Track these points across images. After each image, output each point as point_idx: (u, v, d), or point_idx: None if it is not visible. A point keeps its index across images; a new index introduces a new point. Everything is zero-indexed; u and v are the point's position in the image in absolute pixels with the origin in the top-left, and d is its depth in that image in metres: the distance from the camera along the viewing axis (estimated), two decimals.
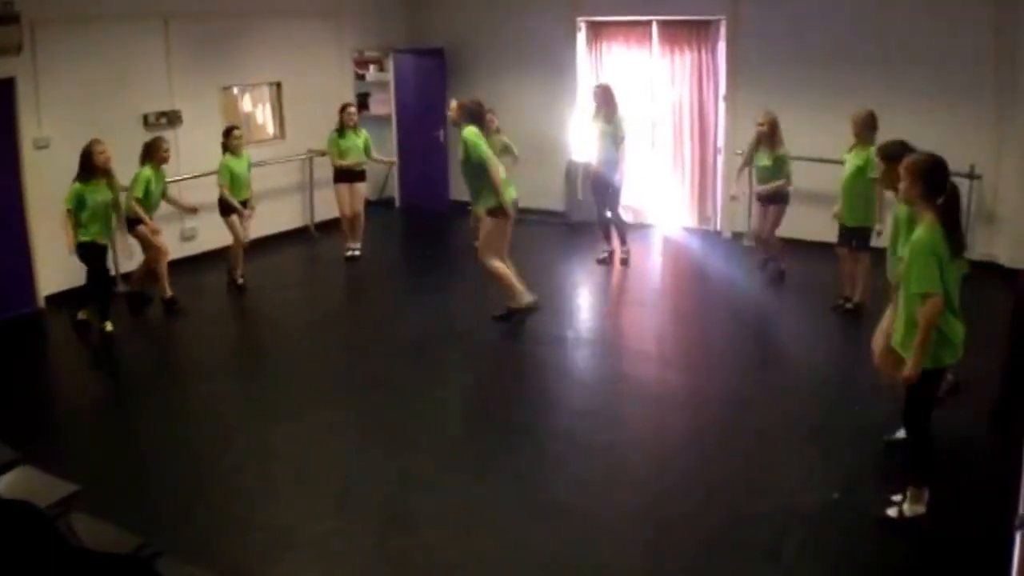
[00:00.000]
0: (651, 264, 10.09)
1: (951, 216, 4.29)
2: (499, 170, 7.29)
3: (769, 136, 8.19)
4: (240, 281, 8.81)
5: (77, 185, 7.27)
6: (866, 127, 7.01)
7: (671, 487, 5.06)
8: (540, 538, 4.55)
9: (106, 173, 7.36)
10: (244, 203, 8.68)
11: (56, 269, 8.24)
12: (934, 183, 4.23)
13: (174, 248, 8.73)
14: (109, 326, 7.64)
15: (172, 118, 9.08)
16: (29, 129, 8.04)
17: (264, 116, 10.62)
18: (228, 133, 8.65)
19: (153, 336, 7.87)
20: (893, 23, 8.84)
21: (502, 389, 6.59)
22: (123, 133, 8.39)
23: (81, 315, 7.74)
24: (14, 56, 7.77)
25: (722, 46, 10.01)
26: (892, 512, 4.53)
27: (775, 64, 9.53)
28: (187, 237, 9.41)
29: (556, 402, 6.37)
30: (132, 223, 7.85)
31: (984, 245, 8.63)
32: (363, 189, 9.84)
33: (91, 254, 7.47)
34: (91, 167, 7.28)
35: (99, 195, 7.34)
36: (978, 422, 5.33)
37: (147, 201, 7.89)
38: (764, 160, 8.28)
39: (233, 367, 7.30)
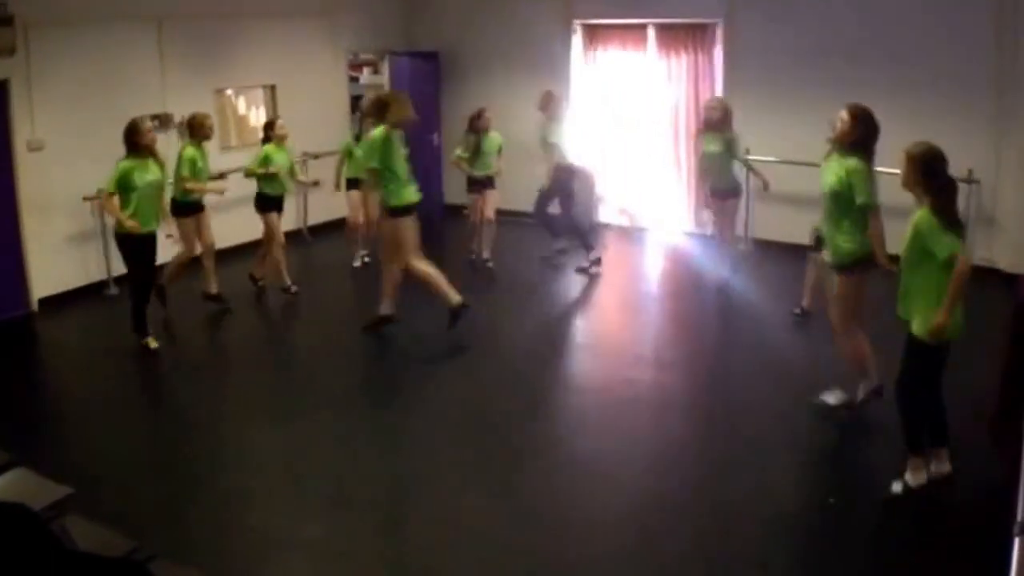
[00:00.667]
0: (646, 268, 10.10)
1: (948, 207, 4.38)
2: (375, 188, 6.99)
3: (719, 121, 8.19)
4: (294, 288, 8.55)
5: (124, 163, 6.71)
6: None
7: (662, 494, 5.04)
8: (533, 544, 4.53)
9: (152, 153, 6.90)
10: (281, 196, 8.42)
11: (49, 272, 8.21)
12: (932, 170, 4.41)
13: (166, 251, 8.47)
14: (152, 343, 7.13)
15: (164, 121, 9.00)
16: (22, 131, 7.99)
17: (258, 119, 10.57)
18: (271, 125, 8.39)
19: None
20: (890, 26, 8.84)
21: (498, 393, 6.55)
22: (116, 135, 8.24)
23: (153, 342, 7.15)
24: (8, 58, 7.72)
25: (718, 49, 10.02)
26: (897, 487, 4.61)
27: (771, 67, 9.54)
28: (179, 240, 9.30)
29: (551, 407, 6.34)
30: (178, 210, 7.57)
31: (983, 250, 8.61)
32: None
33: (138, 247, 6.94)
34: (138, 145, 6.76)
35: (148, 175, 6.81)
36: (977, 426, 5.31)
37: (197, 180, 7.55)
38: (712, 145, 8.22)
39: (229, 369, 7.27)
